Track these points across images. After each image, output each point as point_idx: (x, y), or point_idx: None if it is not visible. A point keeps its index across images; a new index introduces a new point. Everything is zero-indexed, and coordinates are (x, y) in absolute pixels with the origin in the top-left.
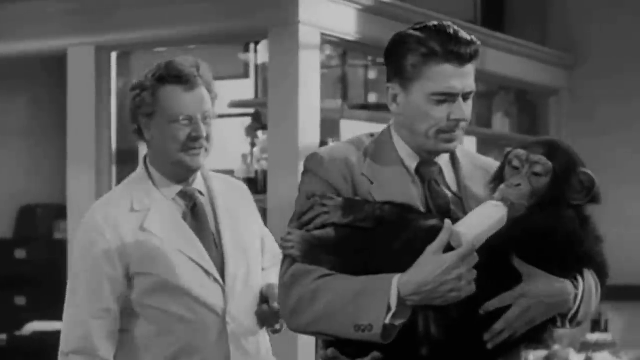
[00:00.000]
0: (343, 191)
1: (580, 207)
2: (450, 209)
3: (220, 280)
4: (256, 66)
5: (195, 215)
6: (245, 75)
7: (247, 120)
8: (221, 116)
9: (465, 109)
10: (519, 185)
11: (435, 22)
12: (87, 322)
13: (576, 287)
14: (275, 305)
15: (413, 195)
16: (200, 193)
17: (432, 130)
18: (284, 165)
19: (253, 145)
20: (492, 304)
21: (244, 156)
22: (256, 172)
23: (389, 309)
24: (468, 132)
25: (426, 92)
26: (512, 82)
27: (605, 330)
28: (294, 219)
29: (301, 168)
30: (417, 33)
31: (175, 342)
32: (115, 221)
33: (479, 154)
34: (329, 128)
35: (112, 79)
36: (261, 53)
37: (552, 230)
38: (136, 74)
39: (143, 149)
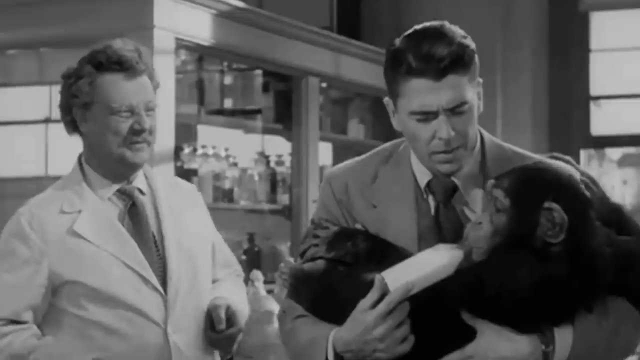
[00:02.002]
0: (339, 216)
1: (575, 245)
2: (463, 233)
3: (160, 288)
4: None
5: (133, 215)
6: None
7: None
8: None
9: (450, 125)
10: (480, 223)
11: (420, 27)
12: None
13: (546, 343)
14: (222, 327)
15: (410, 222)
16: (141, 192)
17: (425, 151)
18: None
19: None
20: None
21: None
22: None
23: None
24: (323, 138)
25: (407, 111)
26: (367, 88)
27: None
28: None
29: (155, 171)
30: (400, 44)
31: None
32: (41, 225)
33: (339, 159)
34: (186, 133)
35: None
36: None
37: (496, 288)
38: None
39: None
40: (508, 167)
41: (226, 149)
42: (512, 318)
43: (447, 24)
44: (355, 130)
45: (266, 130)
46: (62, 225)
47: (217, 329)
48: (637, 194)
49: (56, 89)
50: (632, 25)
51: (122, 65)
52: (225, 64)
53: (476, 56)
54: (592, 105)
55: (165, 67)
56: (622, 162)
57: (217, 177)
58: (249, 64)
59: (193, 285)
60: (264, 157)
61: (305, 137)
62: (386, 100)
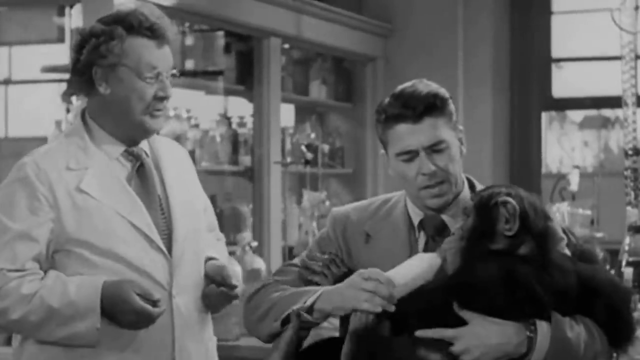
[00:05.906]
0: (337, 248)
1: (538, 250)
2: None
3: (165, 249)
4: (71, 31)
5: (141, 177)
6: (61, 39)
7: (62, 86)
8: (35, 81)
9: (431, 162)
10: (453, 234)
11: (400, 86)
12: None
13: (529, 329)
14: (236, 283)
15: (400, 253)
16: (146, 154)
17: (414, 189)
18: None
19: (68, 111)
20: (427, 332)
21: (58, 122)
22: None
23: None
24: (285, 100)
25: (394, 154)
26: (329, 49)
27: None
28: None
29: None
30: (385, 102)
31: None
32: (48, 179)
33: (301, 120)
34: None
35: None
36: (76, 17)
37: (471, 283)
38: None
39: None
40: None
41: (188, 111)
42: (488, 311)
43: (424, 80)
44: (317, 91)
45: (228, 92)
46: (69, 182)
47: (231, 284)
48: (598, 155)
49: (16, 50)
50: None
51: (153, 33)
52: (187, 24)
53: (451, 103)
54: (554, 67)
55: None
56: (583, 124)
57: (178, 138)
58: (210, 24)
59: (196, 248)
60: (225, 118)
61: (267, 98)
62: (382, 153)
